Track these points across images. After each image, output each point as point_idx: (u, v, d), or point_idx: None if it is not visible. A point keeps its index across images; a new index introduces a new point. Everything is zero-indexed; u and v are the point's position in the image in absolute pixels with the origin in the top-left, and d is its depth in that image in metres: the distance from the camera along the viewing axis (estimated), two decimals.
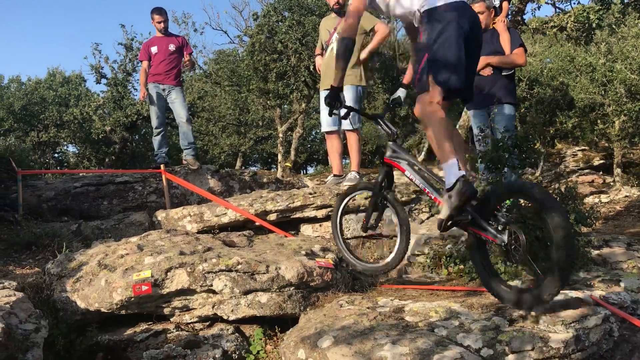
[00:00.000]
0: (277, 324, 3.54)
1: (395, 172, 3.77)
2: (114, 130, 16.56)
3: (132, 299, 3.46)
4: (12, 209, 5.95)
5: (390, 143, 3.68)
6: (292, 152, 15.50)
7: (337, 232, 3.98)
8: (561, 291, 2.77)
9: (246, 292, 3.47)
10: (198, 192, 6.20)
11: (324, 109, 6.00)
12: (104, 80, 16.74)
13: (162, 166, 6.46)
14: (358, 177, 5.82)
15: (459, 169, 2.94)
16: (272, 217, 5.35)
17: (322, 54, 6.20)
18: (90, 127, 17.77)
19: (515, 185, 3.20)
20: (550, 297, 2.67)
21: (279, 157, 14.94)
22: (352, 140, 5.87)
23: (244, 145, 20.74)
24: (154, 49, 7.26)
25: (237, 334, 3.51)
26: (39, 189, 6.38)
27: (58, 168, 20.90)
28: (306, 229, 5.45)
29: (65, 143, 21.31)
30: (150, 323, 3.62)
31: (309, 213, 5.34)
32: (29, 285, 3.92)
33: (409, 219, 3.90)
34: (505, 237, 2.85)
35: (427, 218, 5.42)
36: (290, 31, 12.75)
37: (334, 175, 6.05)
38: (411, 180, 3.50)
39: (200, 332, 3.52)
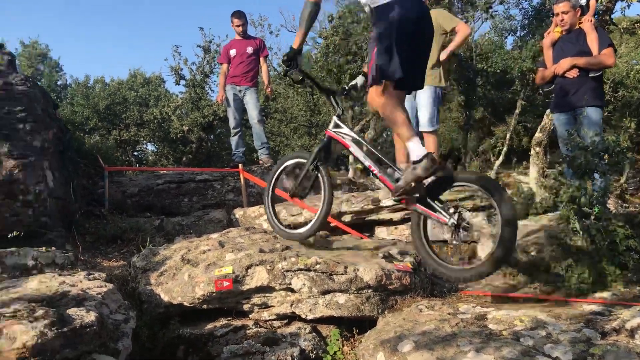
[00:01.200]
0: (354, 326, 3.53)
1: None
2: (191, 130, 17.09)
3: (214, 294, 3.54)
4: (99, 203, 6.25)
5: (335, 118, 3.89)
6: None
7: (267, 200, 4.31)
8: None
9: (324, 292, 3.47)
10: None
11: None
12: (182, 82, 17.32)
13: (240, 165, 6.59)
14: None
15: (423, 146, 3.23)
16: (347, 218, 5.35)
17: None
18: (168, 126, 18.41)
19: (465, 174, 3.47)
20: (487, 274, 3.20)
21: (350, 159, 14.93)
22: (430, 142, 5.77)
23: (315, 147, 20.81)
24: (232, 52, 7.44)
25: (314, 334, 3.52)
26: (123, 185, 6.66)
27: (137, 165, 21.77)
28: (381, 232, 5.42)
29: (144, 142, 22.13)
30: (229, 318, 3.69)
31: (384, 215, 5.30)
32: (116, 277, 4.10)
33: (333, 193, 4.10)
34: (455, 218, 3.21)
35: None
36: (366, 32, 12.73)
37: None
38: (355, 156, 3.75)
39: (278, 330, 3.55)
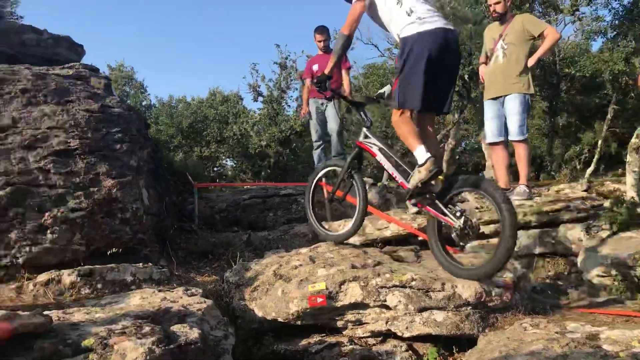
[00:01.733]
0: (451, 344, 3.41)
1: None
2: (269, 145, 17.40)
3: (308, 310, 3.52)
4: (189, 219, 6.43)
5: (365, 129, 4.21)
6: (445, 165, 15.16)
7: (308, 204, 4.69)
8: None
9: (421, 310, 3.37)
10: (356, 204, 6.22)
11: (489, 119, 5.77)
12: (260, 98, 17.71)
13: (323, 179, 6.58)
14: (527, 190, 5.47)
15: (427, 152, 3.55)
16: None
17: (486, 62, 5.96)
18: (247, 142, 18.86)
19: (470, 180, 3.63)
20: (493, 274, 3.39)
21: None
22: (521, 151, 5.54)
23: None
24: (315, 67, 7.50)
25: (410, 352, 3.42)
26: (212, 201, 6.83)
27: (217, 181, 22.41)
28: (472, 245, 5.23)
29: (224, 157, 22.73)
30: (323, 335, 3.66)
31: None
32: (210, 293, 4.17)
33: (368, 198, 4.57)
34: (461, 222, 3.48)
35: (609, 236, 4.94)
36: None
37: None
38: (381, 164, 4.07)
39: (373, 348, 3.48)
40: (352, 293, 3.53)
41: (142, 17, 70.38)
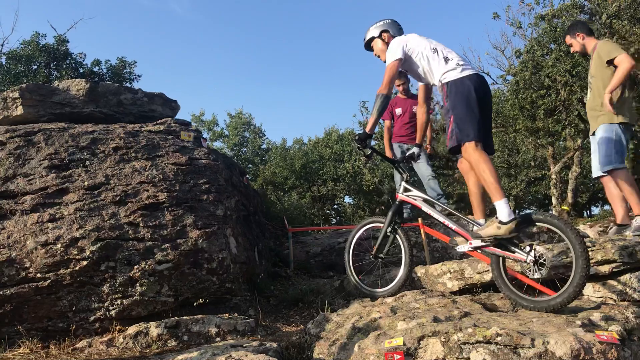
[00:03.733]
0: None
1: None
2: (382, 182, 17.25)
3: None
4: (285, 264, 6.38)
5: (404, 183, 4.35)
6: (569, 194, 14.01)
7: (348, 258, 4.80)
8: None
9: None
10: None
11: (591, 154, 5.30)
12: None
13: (419, 219, 6.28)
14: None
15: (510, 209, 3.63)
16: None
17: None
18: (361, 179, 18.87)
19: (539, 216, 3.67)
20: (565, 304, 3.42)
21: (553, 201, 13.64)
22: (616, 182, 4.93)
23: (515, 188, 19.65)
24: (398, 111, 7.37)
25: None
26: (307, 245, 6.74)
27: (337, 218, 22.56)
28: (585, 288, 4.63)
29: (341, 195, 22.94)
30: None
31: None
32: (292, 345, 4.02)
33: (414, 255, 4.56)
34: (532, 255, 3.56)
35: None
36: (558, 64, 11.73)
37: (617, 225, 5.09)
38: (429, 214, 4.18)
39: None
40: (433, 350, 3.20)
41: (258, 68, 74.22)
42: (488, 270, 4.95)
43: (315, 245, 6.72)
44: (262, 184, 18.97)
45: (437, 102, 17.97)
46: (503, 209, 3.62)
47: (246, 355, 3.20)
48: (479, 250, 3.92)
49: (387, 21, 4.45)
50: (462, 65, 3.96)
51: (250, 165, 26.40)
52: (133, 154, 4.99)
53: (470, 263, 5.09)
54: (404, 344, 3.25)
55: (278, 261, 6.46)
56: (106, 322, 4.44)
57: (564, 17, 11.69)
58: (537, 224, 3.70)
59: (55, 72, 11.34)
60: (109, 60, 12.73)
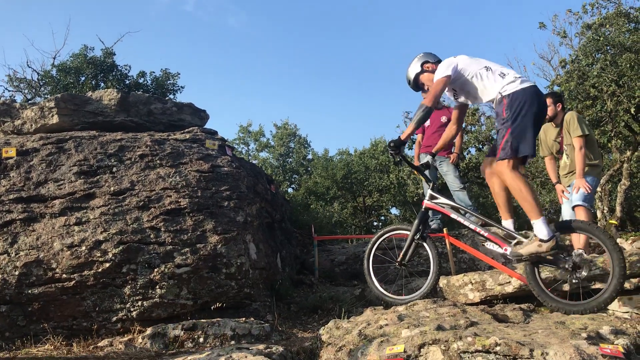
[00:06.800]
0: None
1: None
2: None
3: None
4: (310, 272, 6.43)
5: (430, 190, 4.36)
6: (618, 208, 13.47)
7: (368, 266, 4.70)
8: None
9: None
10: (480, 258, 5.74)
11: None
12: (414, 146, 17.56)
13: (444, 230, 6.23)
14: None
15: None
16: (565, 286, 4.57)
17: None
18: (405, 190, 18.73)
19: (576, 224, 3.89)
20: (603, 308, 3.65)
21: (598, 214, 13.16)
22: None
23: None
24: (427, 122, 7.32)
25: None
26: (332, 254, 6.77)
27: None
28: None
29: (386, 206, 22.81)
30: None
31: None
32: (303, 350, 4.06)
33: (441, 263, 4.49)
34: (571, 262, 3.73)
35: None
36: (604, 73, 11.37)
37: None
38: (459, 221, 4.21)
39: None
40: (433, 357, 3.18)
41: (307, 79, 74.95)
42: (509, 282, 4.88)
43: (340, 253, 6.75)
44: (305, 193, 19.06)
45: (483, 113, 17.73)
46: (542, 228, 3.73)
47: (246, 357, 3.26)
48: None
49: (421, 54, 4.51)
50: (519, 77, 4.03)
51: (296, 176, 26.56)
52: (158, 161, 5.17)
53: (492, 274, 5.03)
54: (405, 351, 3.24)
55: (304, 268, 6.51)
56: (127, 322, 4.60)
57: (608, 25, 11.37)
58: (577, 232, 3.85)
59: (102, 84, 11.82)
60: (154, 72, 13.11)
